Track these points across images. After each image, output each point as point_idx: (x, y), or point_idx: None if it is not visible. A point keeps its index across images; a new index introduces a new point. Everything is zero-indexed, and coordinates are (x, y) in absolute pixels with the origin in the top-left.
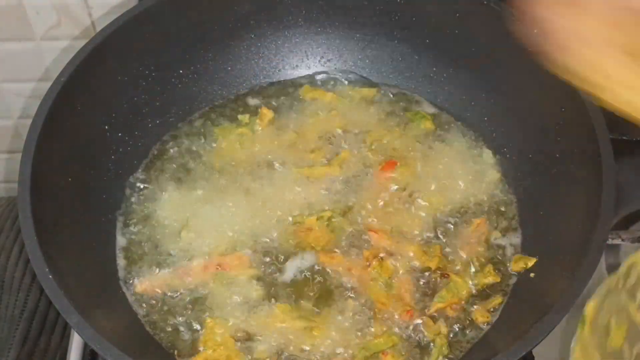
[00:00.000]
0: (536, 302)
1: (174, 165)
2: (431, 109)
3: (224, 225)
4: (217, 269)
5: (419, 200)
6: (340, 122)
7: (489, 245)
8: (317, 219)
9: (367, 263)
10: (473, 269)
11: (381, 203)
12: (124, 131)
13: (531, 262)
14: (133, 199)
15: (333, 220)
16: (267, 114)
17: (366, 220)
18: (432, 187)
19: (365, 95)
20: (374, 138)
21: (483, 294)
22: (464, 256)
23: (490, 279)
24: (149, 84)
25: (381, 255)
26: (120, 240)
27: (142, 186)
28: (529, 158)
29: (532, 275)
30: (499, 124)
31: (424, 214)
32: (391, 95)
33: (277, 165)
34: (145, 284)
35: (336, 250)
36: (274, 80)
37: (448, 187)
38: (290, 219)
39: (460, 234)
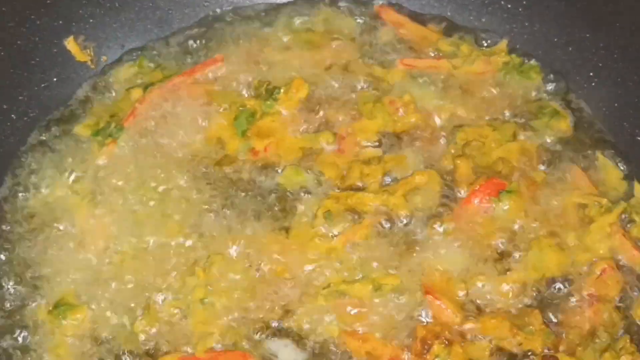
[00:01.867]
0: None
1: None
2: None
3: (211, 299)
4: None
5: (518, 255)
6: (414, 110)
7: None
8: (373, 288)
9: (424, 348)
10: (598, 347)
11: (462, 251)
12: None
13: None
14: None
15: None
16: (300, 86)
17: (427, 279)
18: (545, 237)
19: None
20: (470, 137)
21: None
22: (583, 325)
23: (628, 358)
24: None
25: (446, 337)
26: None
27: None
28: None
29: None
30: (612, 83)
31: (522, 276)
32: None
33: (305, 186)
34: None
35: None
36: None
37: (570, 239)
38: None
39: (573, 293)
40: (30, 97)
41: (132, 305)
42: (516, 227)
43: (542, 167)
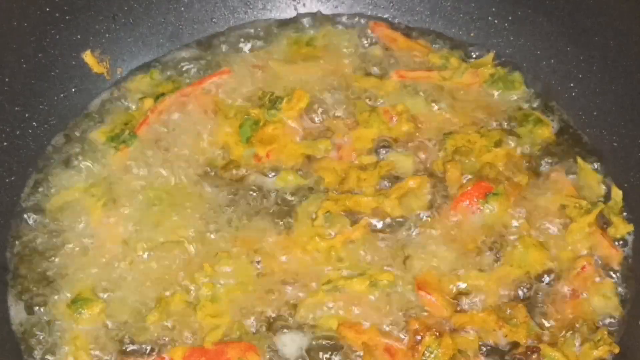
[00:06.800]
0: None
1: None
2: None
3: (217, 294)
4: None
5: (504, 253)
6: (407, 118)
7: (600, 297)
8: (370, 284)
9: (416, 340)
10: (578, 338)
11: (452, 250)
12: None
13: None
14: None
15: (380, 282)
16: (301, 97)
17: (419, 275)
18: (529, 236)
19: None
20: (459, 144)
21: None
22: (564, 318)
23: (606, 349)
24: None
25: (437, 329)
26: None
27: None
28: (636, 144)
29: None
30: (591, 93)
31: (507, 272)
32: (442, 48)
33: (302, 187)
34: None
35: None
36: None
37: (552, 237)
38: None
39: (555, 288)
40: (50, 106)
41: (144, 300)
42: (502, 227)
43: (526, 171)
